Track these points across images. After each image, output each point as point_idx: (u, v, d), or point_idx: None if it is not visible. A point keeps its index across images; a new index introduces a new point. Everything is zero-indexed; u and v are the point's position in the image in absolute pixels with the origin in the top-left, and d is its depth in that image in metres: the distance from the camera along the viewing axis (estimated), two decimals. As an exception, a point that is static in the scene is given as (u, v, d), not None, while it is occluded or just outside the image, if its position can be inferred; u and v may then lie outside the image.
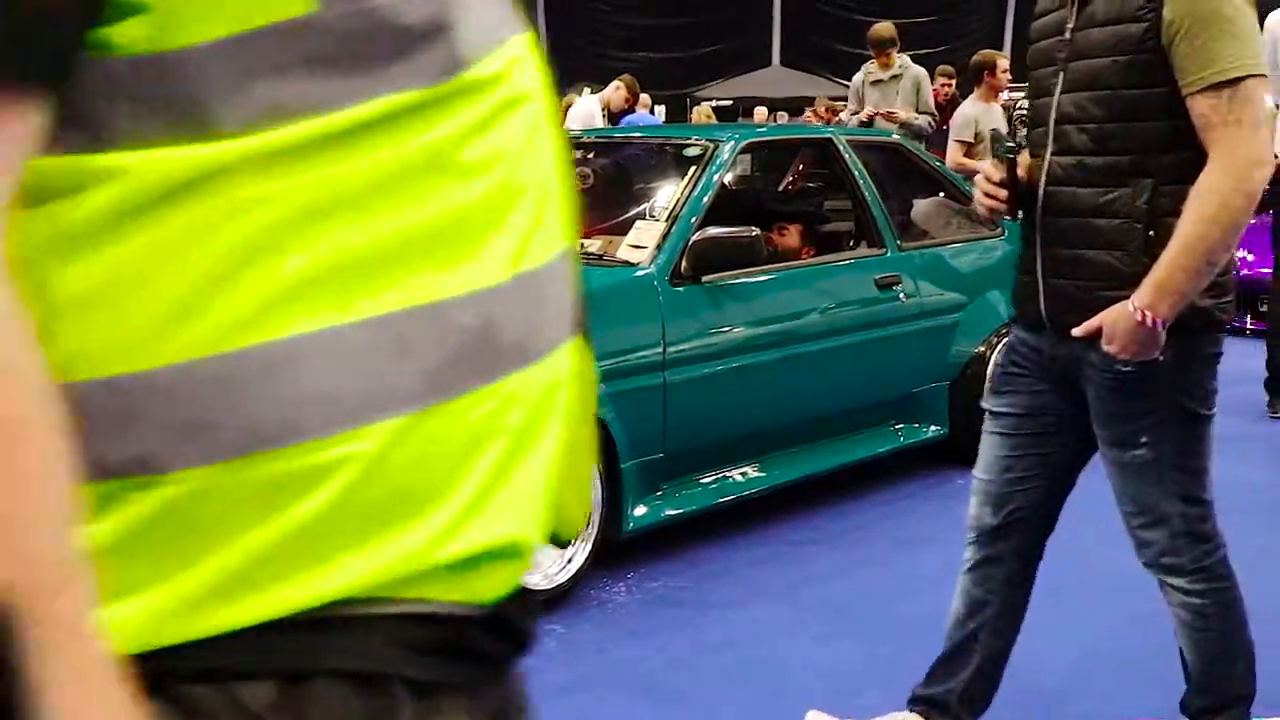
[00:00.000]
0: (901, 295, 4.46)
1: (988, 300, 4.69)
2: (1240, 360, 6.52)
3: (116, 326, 0.63)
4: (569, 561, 3.41)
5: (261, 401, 0.64)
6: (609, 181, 4.97)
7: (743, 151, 4.57)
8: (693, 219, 3.88)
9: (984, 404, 2.44)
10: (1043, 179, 2.24)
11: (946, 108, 7.95)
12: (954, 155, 6.55)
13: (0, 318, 0.58)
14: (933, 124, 7.47)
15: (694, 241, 3.77)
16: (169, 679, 0.65)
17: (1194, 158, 2.07)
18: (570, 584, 3.42)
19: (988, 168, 2.30)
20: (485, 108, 0.70)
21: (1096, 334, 2.13)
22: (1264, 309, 6.46)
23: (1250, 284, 7.61)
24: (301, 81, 0.63)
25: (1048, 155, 2.24)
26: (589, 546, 3.45)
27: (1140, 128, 2.12)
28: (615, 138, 5.77)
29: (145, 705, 0.62)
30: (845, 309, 4.30)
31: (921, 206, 4.77)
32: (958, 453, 4.32)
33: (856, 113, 7.64)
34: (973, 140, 6.54)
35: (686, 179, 4.10)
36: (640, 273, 3.73)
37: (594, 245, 3.98)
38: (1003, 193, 2.26)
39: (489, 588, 0.71)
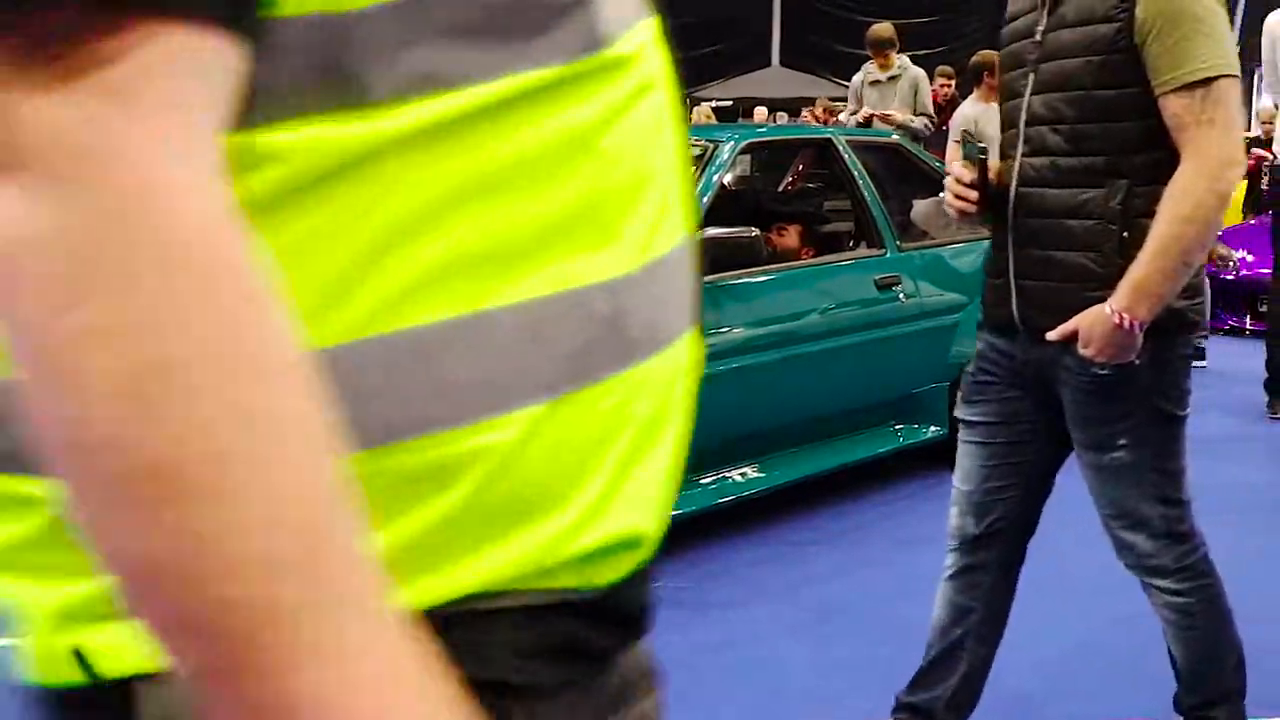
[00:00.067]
0: (901, 296, 4.46)
1: (987, 300, 4.69)
2: (1240, 360, 6.54)
3: None
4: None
5: (401, 390, 0.62)
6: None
7: (742, 152, 4.58)
8: (692, 219, 3.88)
9: (957, 414, 2.44)
10: (1014, 180, 2.24)
11: (946, 108, 7.95)
12: (954, 156, 6.55)
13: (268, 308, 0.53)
14: (930, 126, 7.47)
15: (694, 242, 3.77)
16: None
17: (1167, 158, 2.07)
18: (570, 584, 3.42)
19: (958, 169, 2.30)
20: (622, 91, 0.68)
21: (1071, 338, 2.13)
22: (1264, 309, 6.46)
23: (1250, 284, 7.61)
24: (448, 50, 0.61)
25: (1018, 156, 2.23)
26: (589, 547, 3.44)
27: (1115, 128, 2.12)
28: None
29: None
30: (845, 309, 4.30)
31: (921, 207, 4.77)
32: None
33: (855, 113, 7.65)
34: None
35: (686, 179, 4.10)
36: (640, 273, 3.72)
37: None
38: (973, 194, 2.26)
39: (607, 578, 0.70)
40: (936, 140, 7.30)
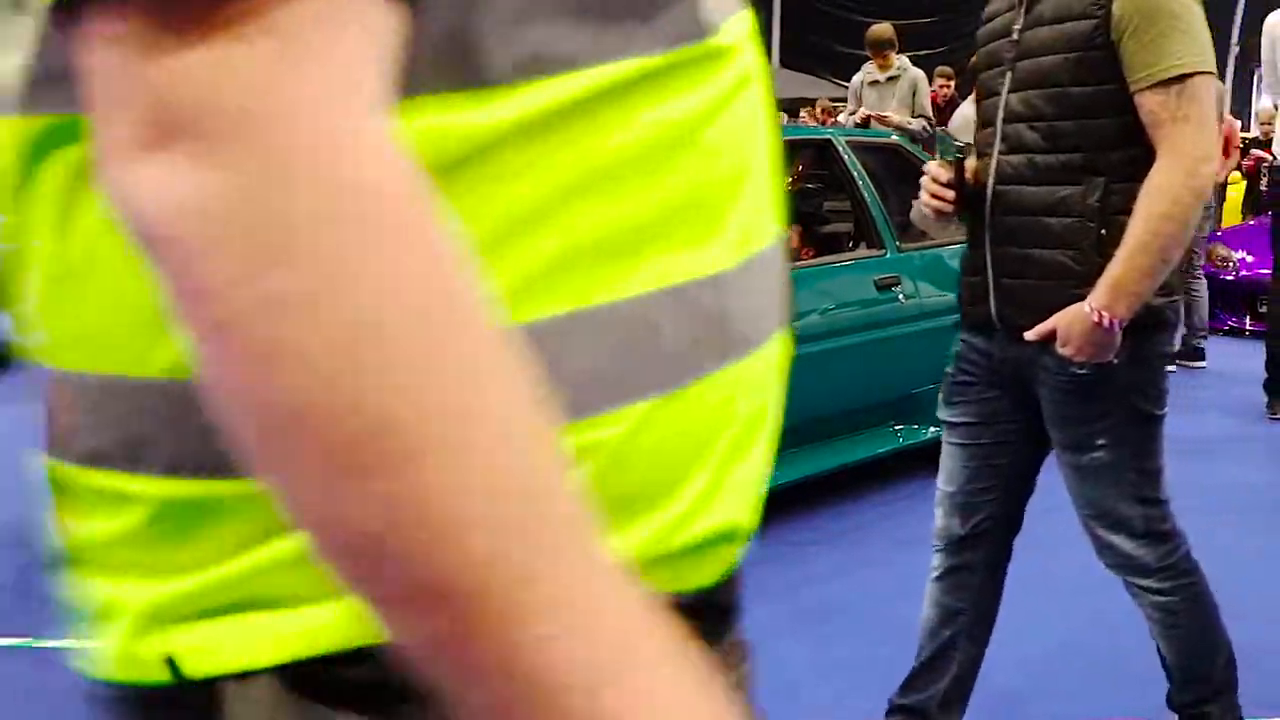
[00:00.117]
0: (901, 296, 4.46)
1: (987, 301, 4.69)
2: (1240, 360, 6.54)
3: None
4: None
5: None
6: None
7: (742, 152, 4.58)
8: (692, 220, 3.88)
9: (939, 415, 2.44)
10: (991, 178, 2.24)
11: (945, 108, 7.95)
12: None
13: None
14: (928, 127, 7.47)
15: (693, 242, 3.77)
16: (378, 687, 0.59)
17: (1143, 155, 2.07)
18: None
19: (934, 168, 2.30)
20: (724, 83, 0.67)
21: (1050, 337, 2.12)
22: (1264, 309, 6.47)
23: (1250, 284, 7.62)
24: (563, 30, 0.60)
25: (995, 154, 2.23)
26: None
27: (1092, 125, 2.12)
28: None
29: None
30: (844, 310, 4.30)
31: (921, 207, 4.77)
32: (957, 453, 4.32)
33: (854, 114, 7.65)
34: (973, 141, 6.54)
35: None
36: (640, 273, 3.73)
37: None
38: (950, 193, 2.26)
39: (707, 574, 0.70)
40: (935, 141, 7.30)
